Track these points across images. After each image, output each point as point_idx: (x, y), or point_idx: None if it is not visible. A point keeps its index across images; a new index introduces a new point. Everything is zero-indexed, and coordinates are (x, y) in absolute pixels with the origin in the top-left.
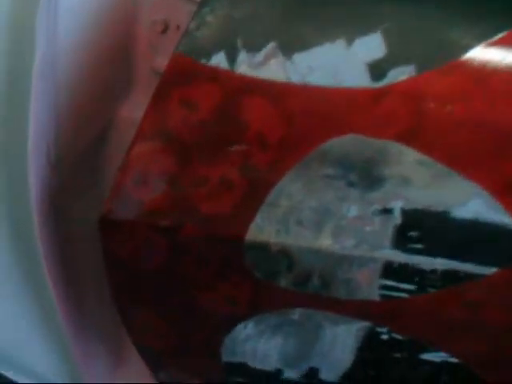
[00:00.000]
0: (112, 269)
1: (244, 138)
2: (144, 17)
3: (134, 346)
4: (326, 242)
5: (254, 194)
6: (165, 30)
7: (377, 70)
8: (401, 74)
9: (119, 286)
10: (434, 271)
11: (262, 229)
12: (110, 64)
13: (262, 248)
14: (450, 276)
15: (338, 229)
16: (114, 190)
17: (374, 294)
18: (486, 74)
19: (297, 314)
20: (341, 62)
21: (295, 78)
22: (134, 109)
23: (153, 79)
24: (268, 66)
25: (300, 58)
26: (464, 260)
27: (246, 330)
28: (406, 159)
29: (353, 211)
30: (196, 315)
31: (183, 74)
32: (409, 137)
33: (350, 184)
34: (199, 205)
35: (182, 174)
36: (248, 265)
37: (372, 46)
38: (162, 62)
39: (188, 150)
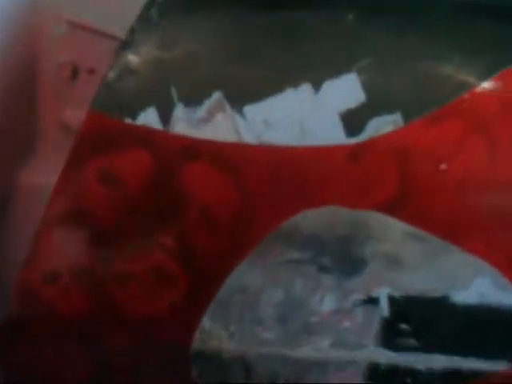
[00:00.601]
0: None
1: (184, 217)
2: (48, 57)
3: None
4: (293, 344)
5: (199, 290)
6: (74, 75)
7: (353, 121)
8: (383, 126)
9: None
10: (430, 371)
11: (211, 333)
12: (8, 115)
13: (212, 357)
14: (452, 375)
15: (308, 327)
16: (18, 287)
17: None
18: (486, 121)
19: None
20: (306, 114)
21: (248, 137)
22: (39, 172)
23: (61, 135)
24: (213, 122)
25: (253, 110)
26: (468, 355)
27: None
28: (392, 233)
29: (327, 303)
30: None
31: (102, 138)
32: (394, 205)
33: (323, 269)
34: (127, 306)
35: (103, 268)
36: (195, 377)
37: (346, 90)
38: (72, 114)
39: (109, 237)
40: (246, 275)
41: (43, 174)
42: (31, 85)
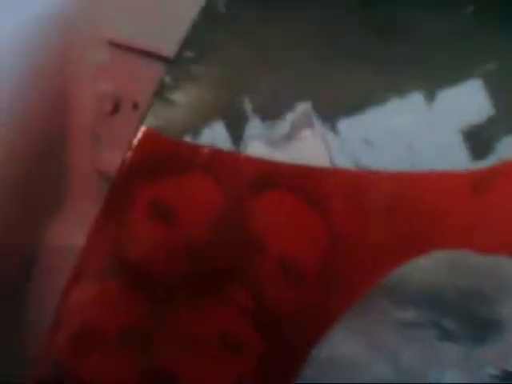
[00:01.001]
0: None
1: (260, 266)
2: (85, 86)
3: None
4: None
5: (277, 362)
6: (116, 109)
7: (478, 140)
8: None
9: None
10: None
11: None
12: (36, 161)
13: None
14: None
15: None
16: (43, 353)
17: None
18: None
19: None
20: (417, 131)
21: (343, 160)
22: (70, 230)
23: (97, 184)
24: (297, 141)
25: (350, 126)
26: None
27: None
28: None
29: (450, 380)
30: None
31: (155, 161)
32: None
33: (444, 335)
34: (185, 379)
35: (155, 330)
36: None
37: (467, 100)
38: (111, 158)
39: (164, 291)
40: (339, 344)
41: (73, 232)
42: (63, 122)
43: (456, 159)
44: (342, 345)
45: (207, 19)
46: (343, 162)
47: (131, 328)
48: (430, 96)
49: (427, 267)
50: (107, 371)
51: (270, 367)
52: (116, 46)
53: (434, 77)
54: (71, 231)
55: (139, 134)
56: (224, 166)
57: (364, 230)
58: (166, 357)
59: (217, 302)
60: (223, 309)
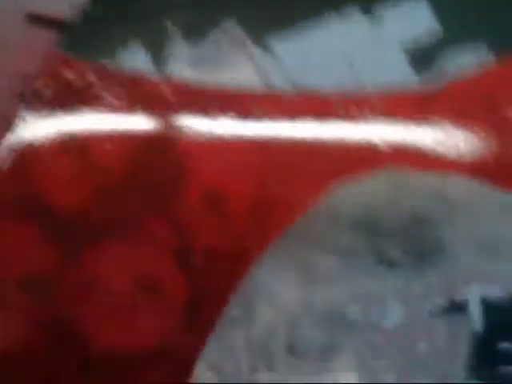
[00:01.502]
0: None
1: (184, 198)
2: None
3: None
4: (348, 376)
5: (205, 307)
6: None
7: (422, 56)
8: (464, 61)
9: None
10: None
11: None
12: None
13: None
14: None
15: (364, 351)
16: None
17: None
18: None
19: None
20: (360, 48)
21: (281, 82)
22: None
23: None
24: (227, 62)
25: (285, 46)
26: None
27: None
28: (485, 208)
29: (392, 315)
30: None
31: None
32: (486, 167)
33: (384, 262)
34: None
35: (60, 279)
36: None
37: (412, 16)
38: None
39: (71, 231)
40: (266, 276)
41: None
42: None
43: (399, 75)
44: (267, 277)
45: None
46: (280, 83)
47: (34, 275)
48: (371, 12)
49: (366, 188)
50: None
51: (195, 315)
52: None
53: None
54: None
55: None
56: (146, 90)
57: (299, 154)
58: (70, 309)
59: (134, 240)
60: (141, 248)
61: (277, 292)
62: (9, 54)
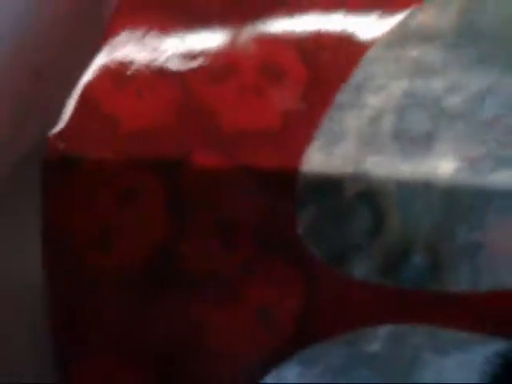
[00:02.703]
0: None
1: None
2: None
3: None
4: (446, 163)
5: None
6: None
7: None
8: None
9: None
10: None
11: (334, 149)
12: None
13: (327, 191)
14: None
15: (463, 141)
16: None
17: None
18: None
19: (378, 339)
20: None
21: None
22: None
23: None
24: None
25: None
26: None
27: None
28: None
29: (490, 107)
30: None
31: None
32: None
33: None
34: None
35: None
36: (301, 232)
37: None
38: None
39: None
40: (374, 68)
41: None
42: None
43: None
44: (379, 70)
45: None
46: None
47: None
48: None
49: None
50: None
51: (312, 97)
52: None
53: None
54: None
55: None
56: None
57: None
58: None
59: None
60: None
61: (384, 83)
62: None
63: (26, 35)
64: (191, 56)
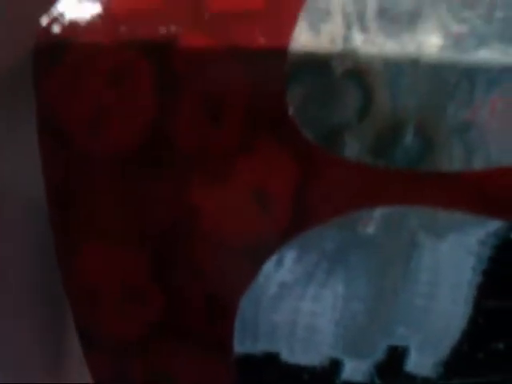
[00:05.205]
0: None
1: None
2: None
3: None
4: (431, 40)
5: None
6: None
7: None
8: None
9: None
10: None
11: (321, 30)
12: None
13: (316, 69)
14: None
15: (447, 19)
16: None
17: None
18: None
19: (373, 221)
20: None
21: None
22: None
23: None
24: None
25: None
26: None
27: (279, 273)
28: None
29: None
30: (194, 241)
31: None
32: None
33: None
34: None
35: None
36: (292, 112)
37: None
38: None
39: None
40: None
41: None
42: None
43: None
44: None
45: None
46: None
47: None
48: None
49: None
50: None
51: None
52: None
53: None
54: None
55: None
56: None
57: None
58: None
59: None
60: None
61: None
62: None
63: None
64: None
